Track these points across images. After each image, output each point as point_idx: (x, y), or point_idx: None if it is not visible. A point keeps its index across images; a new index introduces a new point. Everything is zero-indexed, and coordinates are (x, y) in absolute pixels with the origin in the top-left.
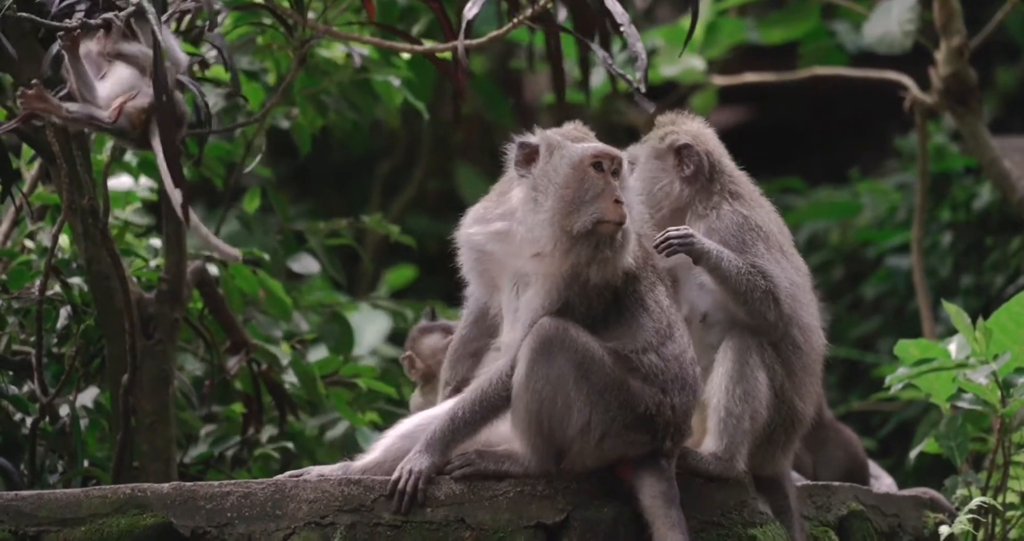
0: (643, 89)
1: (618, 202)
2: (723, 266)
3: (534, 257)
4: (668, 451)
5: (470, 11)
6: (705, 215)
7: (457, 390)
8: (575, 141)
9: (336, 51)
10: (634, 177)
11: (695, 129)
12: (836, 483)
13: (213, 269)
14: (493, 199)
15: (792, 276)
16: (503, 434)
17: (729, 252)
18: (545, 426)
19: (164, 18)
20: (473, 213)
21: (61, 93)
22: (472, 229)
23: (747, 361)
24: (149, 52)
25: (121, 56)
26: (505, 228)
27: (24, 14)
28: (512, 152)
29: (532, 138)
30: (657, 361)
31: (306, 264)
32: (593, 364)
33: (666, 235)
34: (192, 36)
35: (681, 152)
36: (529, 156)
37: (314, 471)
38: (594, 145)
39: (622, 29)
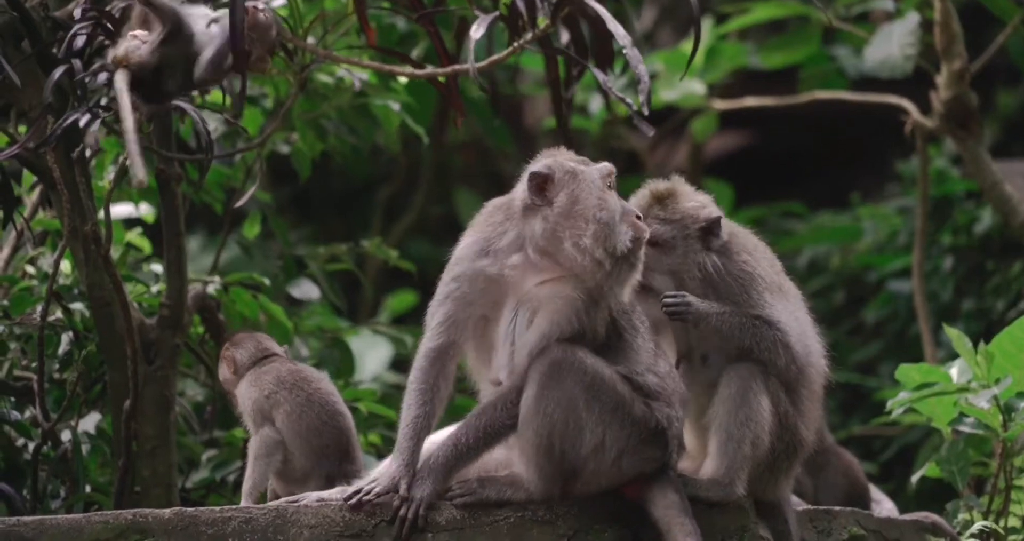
0: (646, 112)
1: (639, 217)
2: (724, 327)
3: (544, 283)
4: (674, 463)
5: (476, 32)
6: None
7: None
8: (584, 164)
9: (336, 75)
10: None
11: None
12: (837, 507)
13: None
14: (490, 229)
15: (797, 314)
16: (499, 458)
17: (729, 309)
18: (556, 449)
19: None
20: (474, 245)
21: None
22: (483, 262)
23: (750, 386)
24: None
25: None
26: (521, 260)
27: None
28: (525, 183)
29: (542, 168)
30: (656, 379)
31: (306, 290)
32: (604, 384)
33: (663, 301)
34: None
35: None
36: (541, 186)
37: (312, 496)
38: (602, 165)
39: (624, 51)
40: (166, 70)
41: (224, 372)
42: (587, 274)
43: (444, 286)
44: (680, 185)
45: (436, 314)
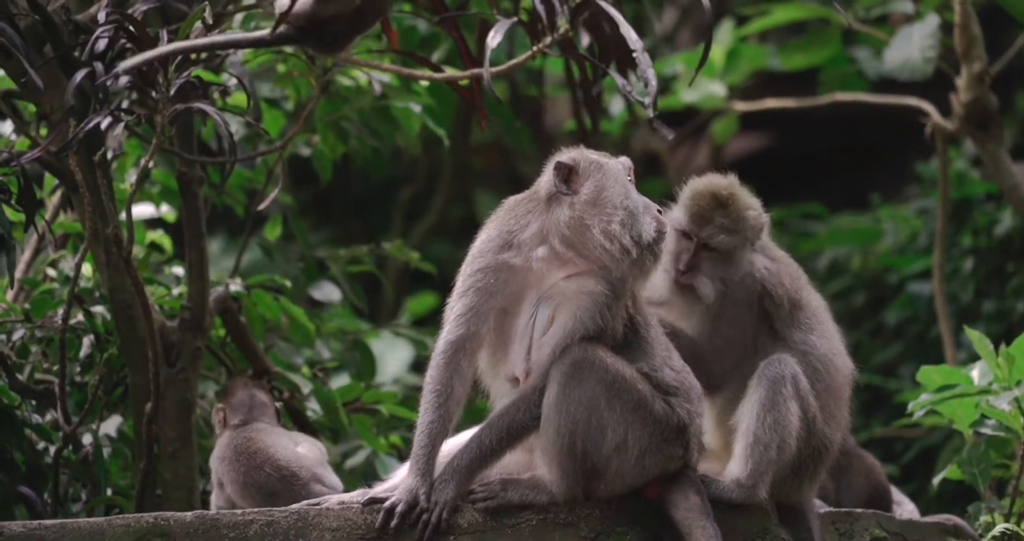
0: (651, 114)
1: (660, 210)
2: None
3: (569, 278)
4: (695, 463)
5: (493, 39)
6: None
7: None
8: (606, 157)
9: (357, 78)
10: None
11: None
12: (859, 510)
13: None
14: (512, 222)
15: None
16: (520, 460)
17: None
18: (579, 448)
19: None
20: (497, 239)
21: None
22: (508, 254)
23: (780, 391)
24: None
25: None
26: (546, 252)
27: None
28: (551, 173)
29: (568, 158)
30: (673, 374)
31: (327, 292)
32: (624, 383)
33: None
34: (213, 65)
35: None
36: (567, 176)
37: (334, 499)
38: (621, 158)
39: (635, 55)
40: (333, 20)
41: (214, 422)
42: (613, 262)
43: (466, 278)
44: (737, 187)
45: (456, 306)
